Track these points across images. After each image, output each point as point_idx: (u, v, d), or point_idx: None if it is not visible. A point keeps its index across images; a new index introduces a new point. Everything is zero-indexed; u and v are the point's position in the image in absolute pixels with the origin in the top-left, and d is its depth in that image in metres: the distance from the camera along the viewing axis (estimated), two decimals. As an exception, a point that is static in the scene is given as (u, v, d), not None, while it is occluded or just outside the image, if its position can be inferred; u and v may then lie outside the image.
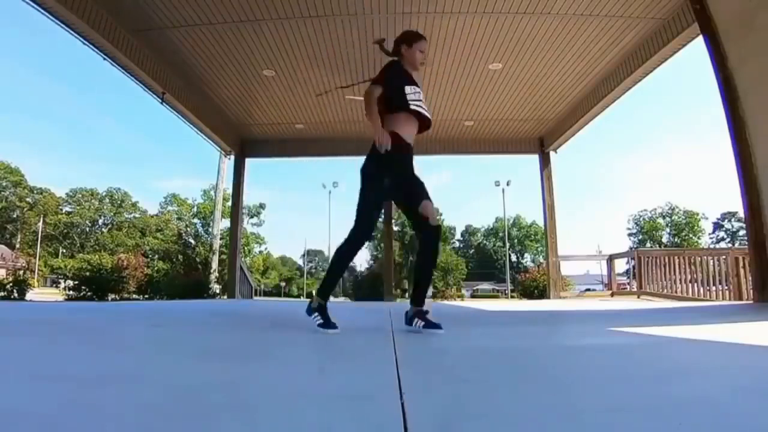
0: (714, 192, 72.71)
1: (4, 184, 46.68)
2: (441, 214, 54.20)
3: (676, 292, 7.59)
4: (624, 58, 6.79)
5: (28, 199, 47.75)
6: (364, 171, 2.37)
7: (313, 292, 2.40)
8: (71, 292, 9.64)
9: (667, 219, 53.49)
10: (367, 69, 7.17)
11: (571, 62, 6.98)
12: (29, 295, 8.64)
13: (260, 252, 50.62)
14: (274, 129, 9.65)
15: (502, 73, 7.36)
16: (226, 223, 13.68)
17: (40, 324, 2.76)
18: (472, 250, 60.53)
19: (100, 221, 52.03)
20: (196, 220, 43.60)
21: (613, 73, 7.18)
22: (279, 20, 5.90)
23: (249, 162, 10.58)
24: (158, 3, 5.58)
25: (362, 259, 49.47)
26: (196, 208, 45.78)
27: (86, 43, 5.80)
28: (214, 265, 11.65)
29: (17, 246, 42.95)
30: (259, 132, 9.84)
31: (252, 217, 44.73)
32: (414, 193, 2.41)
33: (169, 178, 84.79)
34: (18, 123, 62.72)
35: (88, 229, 50.82)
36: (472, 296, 44.92)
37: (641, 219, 54.72)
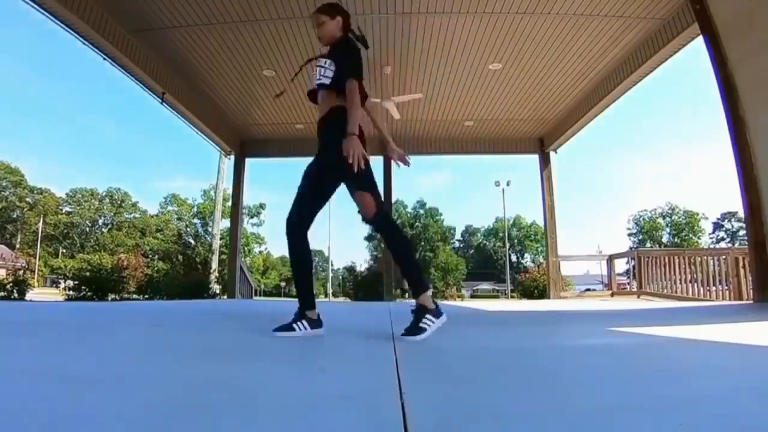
0: (714, 192, 72.77)
1: (4, 184, 46.68)
2: (441, 215, 54.27)
3: (676, 292, 7.59)
4: (624, 58, 6.79)
5: (28, 199, 47.75)
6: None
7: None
8: (71, 293, 9.62)
9: (667, 219, 53.47)
10: (366, 68, 7.16)
11: (571, 62, 6.98)
12: (29, 296, 8.62)
13: (260, 252, 50.62)
14: (274, 129, 9.65)
15: (502, 73, 7.36)
16: (226, 223, 13.66)
17: (40, 324, 2.76)
18: (472, 250, 60.52)
19: (100, 221, 52.02)
20: (196, 220, 43.60)
21: (613, 73, 7.19)
22: (279, 20, 5.90)
23: (249, 162, 10.59)
24: (158, 3, 5.58)
25: (362, 259, 49.54)
26: (196, 208, 45.76)
27: (86, 43, 5.80)
28: (214, 265, 11.64)
29: (17, 246, 42.91)
30: (259, 132, 9.84)
31: (252, 217, 44.72)
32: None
33: (169, 178, 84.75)
34: (18, 123, 62.75)
35: (88, 229, 50.81)
36: (472, 296, 44.94)
37: (641, 219, 54.70)
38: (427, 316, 2.02)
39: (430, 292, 2.06)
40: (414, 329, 2.00)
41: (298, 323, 2.05)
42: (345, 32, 2.35)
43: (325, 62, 2.23)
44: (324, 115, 2.20)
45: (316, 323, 2.09)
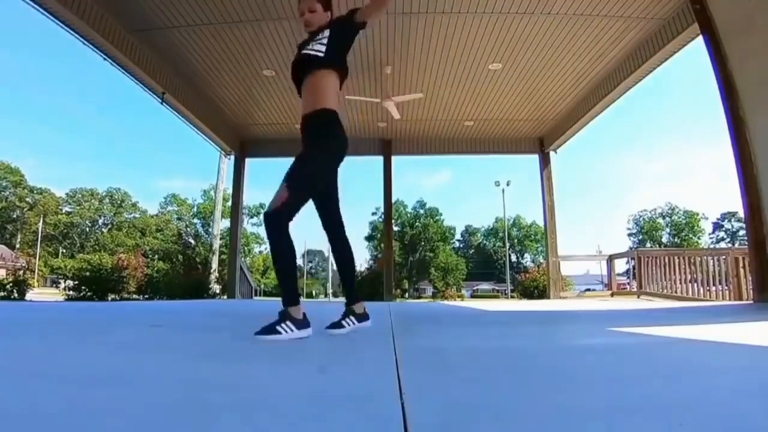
0: (714, 192, 72.80)
1: (4, 184, 46.68)
2: (441, 215, 54.23)
3: (676, 292, 7.59)
4: (624, 58, 6.80)
5: (28, 199, 47.74)
6: (336, 134, 2.11)
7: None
8: (71, 292, 9.62)
9: (667, 219, 53.49)
10: (366, 68, 7.17)
11: (571, 62, 6.98)
12: (29, 295, 8.63)
13: (260, 252, 50.65)
14: (274, 129, 9.66)
15: (502, 73, 7.37)
16: (226, 223, 13.67)
17: (40, 324, 2.76)
18: (472, 250, 60.51)
19: (100, 221, 52.03)
20: (196, 220, 43.67)
21: (613, 73, 7.19)
22: (279, 20, 5.91)
23: (249, 162, 10.59)
24: (158, 3, 5.58)
25: (362, 259, 49.54)
26: (196, 208, 45.83)
27: (86, 43, 5.81)
28: (214, 265, 11.64)
29: (17, 246, 42.91)
30: (259, 132, 9.85)
31: (252, 217, 44.75)
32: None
33: (170, 178, 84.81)
34: (17, 123, 62.76)
35: (88, 229, 50.81)
36: (472, 296, 44.97)
37: (641, 219, 54.73)
38: (288, 323, 1.93)
39: (299, 308, 1.98)
40: (268, 328, 1.91)
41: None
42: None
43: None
44: None
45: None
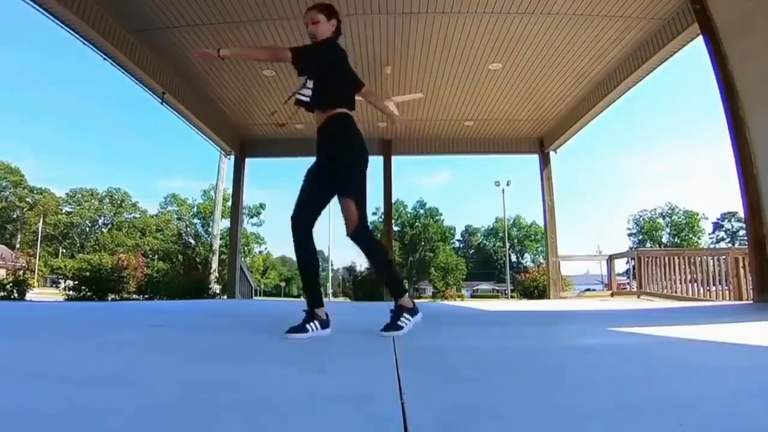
0: (714, 192, 72.80)
1: (4, 184, 46.67)
2: (441, 215, 54.21)
3: (676, 292, 7.58)
4: (624, 58, 6.79)
5: (28, 199, 47.72)
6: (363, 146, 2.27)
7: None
8: (71, 292, 9.62)
9: (667, 219, 53.48)
10: (366, 68, 7.17)
11: (571, 62, 6.98)
12: (29, 295, 8.63)
13: (260, 252, 50.64)
14: (274, 129, 9.65)
15: (502, 73, 7.36)
16: (226, 223, 13.67)
17: (40, 324, 2.77)
18: (472, 250, 60.48)
19: (100, 221, 52.00)
20: (196, 220, 43.62)
21: (613, 73, 7.19)
22: (279, 20, 5.90)
23: (249, 162, 10.58)
24: (158, 3, 5.58)
25: (362, 259, 49.50)
26: (196, 208, 45.78)
27: (86, 43, 5.80)
28: (214, 265, 11.63)
29: (17, 246, 42.89)
30: (259, 132, 9.84)
31: (252, 217, 44.72)
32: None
33: (170, 178, 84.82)
34: (17, 122, 62.73)
35: (88, 229, 50.79)
36: (472, 296, 44.94)
37: (641, 219, 54.70)
38: (405, 315, 2.16)
39: (407, 295, 2.24)
40: (393, 326, 2.13)
41: (310, 324, 2.10)
42: (336, 35, 2.39)
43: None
44: None
45: (325, 323, 2.15)
